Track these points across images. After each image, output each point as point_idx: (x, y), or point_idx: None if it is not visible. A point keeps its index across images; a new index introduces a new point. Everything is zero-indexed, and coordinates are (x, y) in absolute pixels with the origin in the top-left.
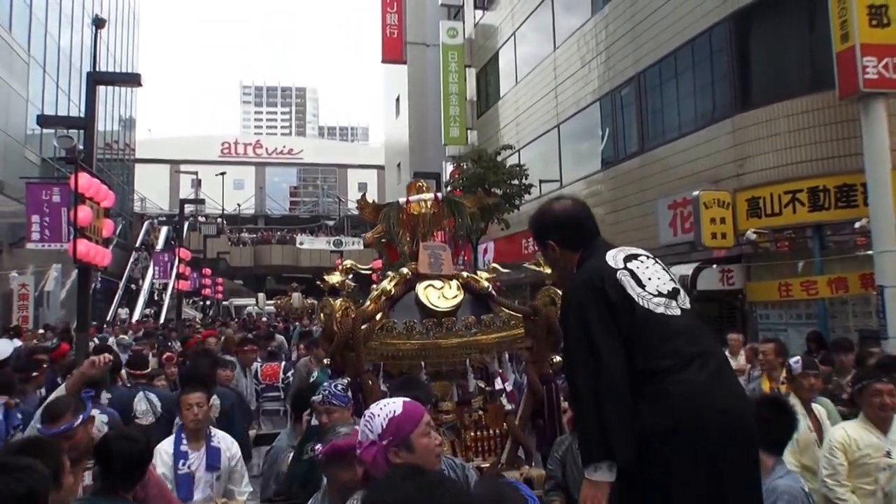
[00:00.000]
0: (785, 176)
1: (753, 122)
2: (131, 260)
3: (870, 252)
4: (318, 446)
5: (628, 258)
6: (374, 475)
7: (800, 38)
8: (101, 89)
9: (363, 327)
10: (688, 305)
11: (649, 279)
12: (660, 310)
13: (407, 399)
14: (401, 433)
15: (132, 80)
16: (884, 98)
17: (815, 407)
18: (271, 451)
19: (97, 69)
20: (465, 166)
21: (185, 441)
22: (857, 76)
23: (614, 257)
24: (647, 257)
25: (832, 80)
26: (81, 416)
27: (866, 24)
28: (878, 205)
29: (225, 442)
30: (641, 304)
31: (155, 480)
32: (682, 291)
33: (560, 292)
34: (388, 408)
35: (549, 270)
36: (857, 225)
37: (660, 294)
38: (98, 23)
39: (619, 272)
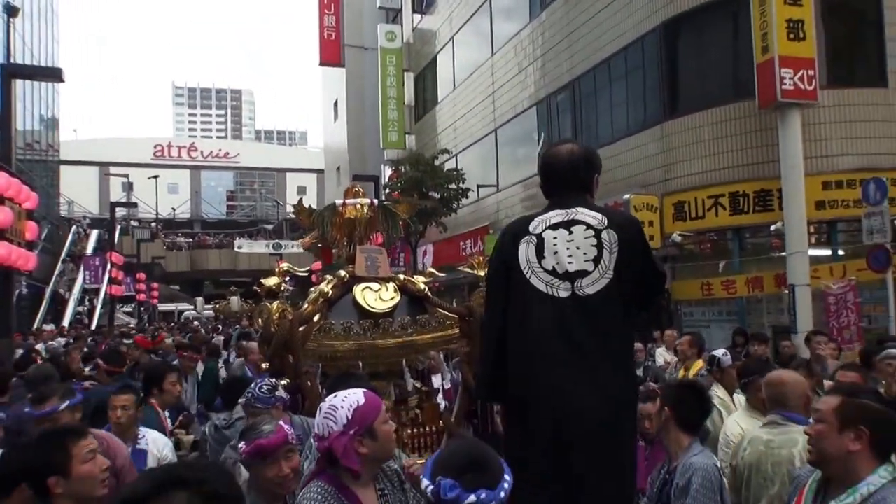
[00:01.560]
0: (708, 181)
1: (680, 129)
2: (56, 272)
3: (783, 253)
4: (242, 444)
5: (557, 225)
6: (346, 465)
7: (724, 48)
8: (19, 85)
9: (301, 329)
10: (589, 292)
11: (555, 253)
12: (541, 286)
13: (365, 389)
14: (366, 422)
15: (53, 74)
16: (799, 108)
17: (736, 397)
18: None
19: (12, 61)
20: (403, 170)
21: None
22: (775, 87)
23: (543, 221)
24: (588, 227)
25: (753, 90)
26: (67, 402)
27: (785, 38)
28: (792, 209)
29: (156, 445)
30: (525, 273)
31: (122, 454)
32: (593, 276)
33: None
34: (350, 399)
35: (482, 273)
36: (772, 228)
37: (553, 271)
38: (10, 11)
39: (525, 237)
